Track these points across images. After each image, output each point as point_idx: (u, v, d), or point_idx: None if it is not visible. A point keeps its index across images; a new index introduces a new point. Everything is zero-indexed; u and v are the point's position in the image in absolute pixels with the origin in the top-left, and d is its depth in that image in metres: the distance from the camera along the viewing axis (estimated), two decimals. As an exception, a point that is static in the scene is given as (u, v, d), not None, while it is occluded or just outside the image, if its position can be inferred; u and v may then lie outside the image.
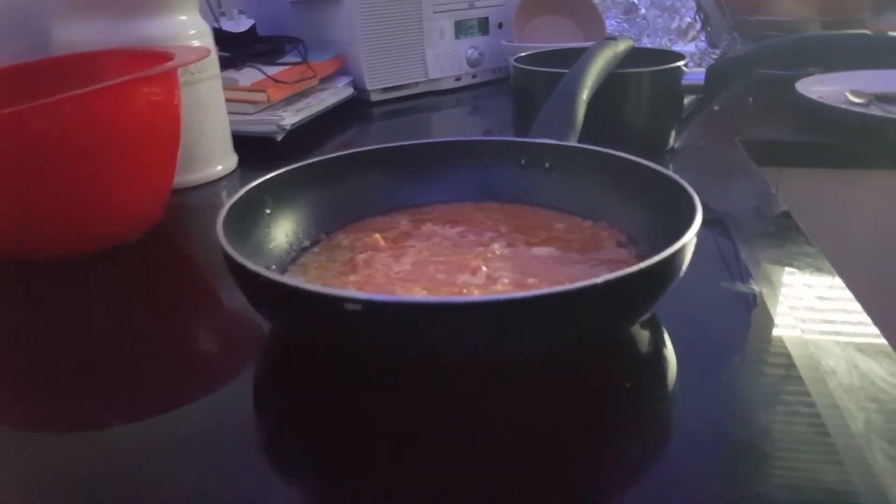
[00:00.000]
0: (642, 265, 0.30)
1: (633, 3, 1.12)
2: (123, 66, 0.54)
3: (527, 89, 0.72)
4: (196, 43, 0.66)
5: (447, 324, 0.29)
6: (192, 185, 0.68)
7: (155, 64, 0.51)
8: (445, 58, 1.03)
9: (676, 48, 1.10)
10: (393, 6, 0.95)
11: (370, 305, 0.29)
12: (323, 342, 0.34)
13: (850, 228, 0.73)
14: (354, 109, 0.97)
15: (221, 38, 0.92)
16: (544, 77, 0.67)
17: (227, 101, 0.77)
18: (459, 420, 0.32)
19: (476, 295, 0.35)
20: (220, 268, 0.35)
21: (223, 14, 0.95)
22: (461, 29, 1.04)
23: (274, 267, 0.43)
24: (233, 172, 0.72)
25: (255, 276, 0.31)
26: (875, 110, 0.75)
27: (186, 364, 0.41)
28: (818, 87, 0.81)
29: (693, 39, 1.08)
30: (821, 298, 0.42)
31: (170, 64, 0.49)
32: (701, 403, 0.33)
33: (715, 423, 0.31)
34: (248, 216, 0.43)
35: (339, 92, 0.91)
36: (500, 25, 1.09)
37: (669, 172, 0.42)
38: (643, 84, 0.65)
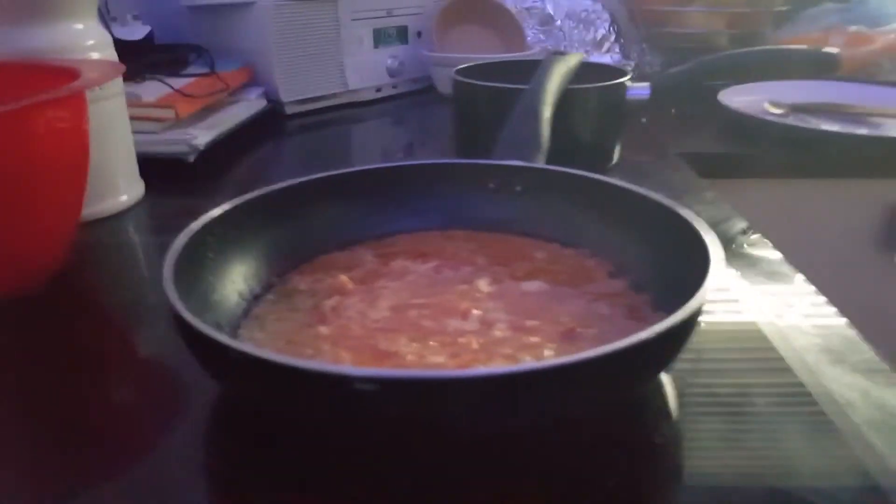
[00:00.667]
0: (687, 311, 0.26)
1: (549, 14, 1.12)
2: (14, 83, 0.45)
3: (471, 104, 0.68)
4: (96, 55, 0.57)
5: (483, 397, 0.25)
6: (94, 219, 0.59)
7: (55, 82, 0.43)
8: (365, 67, 0.98)
9: (592, 59, 1.11)
10: (308, 12, 0.89)
11: (389, 384, 0.24)
12: (310, 420, 0.29)
13: (784, 239, 0.75)
14: (268, 124, 0.89)
15: (115, 47, 0.82)
16: (491, 92, 0.64)
17: (131, 119, 0.68)
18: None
19: (497, 366, 0.31)
20: (135, 316, 0.29)
21: (114, 20, 0.84)
22: (380, 37, 0.99)
23: (224, 323, 0.36)
24: (140, 202, 0.63)
25: (239, 356, 0.25)
26: (794, 121, 0.78)
27: (105, 438, 0.33)
28: (739, 98, 0.83)
29: (608, 51, 1.09)
30: (806, 316, 0.41)
31: (78, 83, 0.41)
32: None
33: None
34: (187, 264, 0.36)
35: (251, 105, 0.84)
36: (419, 34, 1.05)
37: (659, 197, 0.40)
38: (590, 99, 0.63)
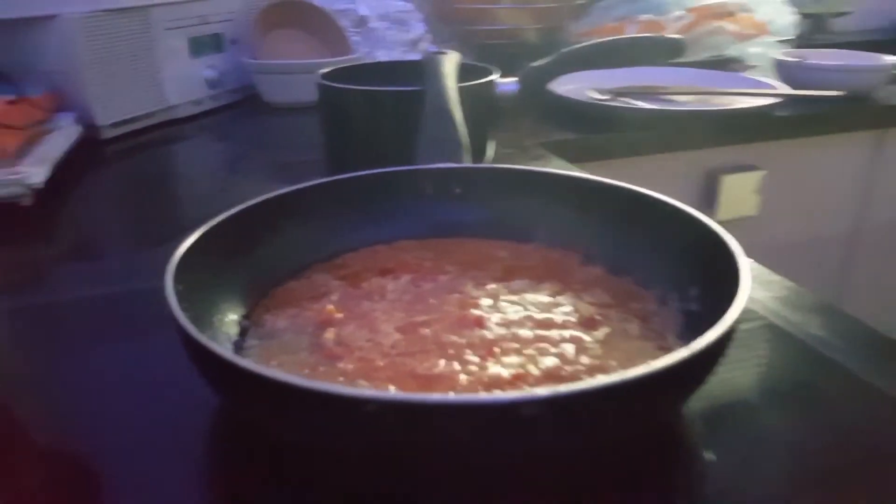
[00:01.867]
0: (729, 320, 0.28)
1: (363, 16, 1.11)
2: None
3: (340, 110, 0.65)
4: None
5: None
6: None
7: None
8: (183, 80, 0.88)
9: (411, 58, 1.13)
10: (118, 23, 0.78)
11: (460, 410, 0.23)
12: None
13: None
14: (84, 151, 0.76)
15: None
16: (363, 96, 0.62)
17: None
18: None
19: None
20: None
21: None
22: (196, 47, 0.90)
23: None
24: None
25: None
26: (621, 104, 0.88)
27: None
28: (565, 87, 0.91)
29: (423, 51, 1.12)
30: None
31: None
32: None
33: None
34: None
35: (69, 133, 0.71)
36: (234, 42, 0.97)
37: (585, 175, 0.42)
38: (465, 98, 0.64)
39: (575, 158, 0.78)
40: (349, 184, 0.45)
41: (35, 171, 0.57)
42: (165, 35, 0.84)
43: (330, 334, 0.35)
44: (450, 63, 0.58)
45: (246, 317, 0.37)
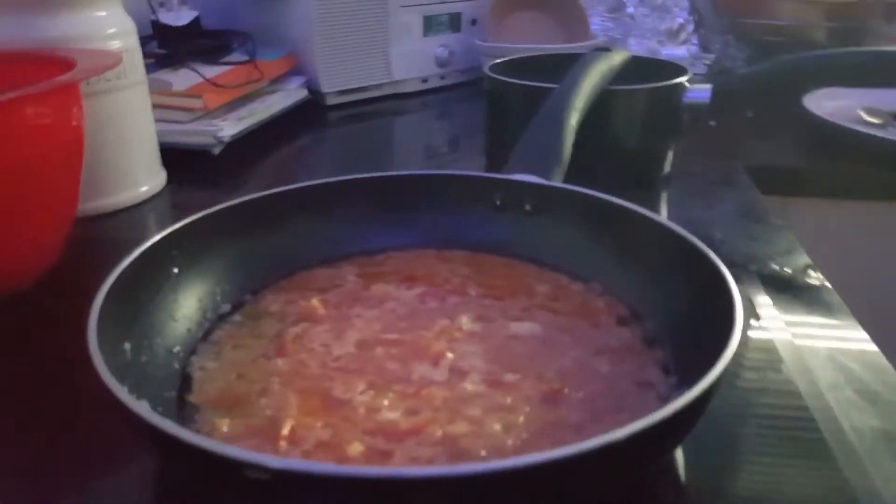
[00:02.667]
0: (675, 407, 0.21)
1: (621, 0, 1.03)
2: (21, 74, 0.43)
3: (503, 104, 0.62)
4: (116, 43, 0.55)
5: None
6: (111, 210, 0.58)
7: (48, 73, 0.41)
8: (412, 57, 0.93)
9: (666, 51, 1.02)
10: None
11: (281, 476, 0.19)
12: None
13: (867, 266, 0.65)
14: (307, 114, 0.86)
15: (160, 32, 0.81)
16: (524, 91, 0.58)
17: (159, 107, 0.66)
18: None
19: (436, 465, 0.25)
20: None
21: (162, 5, 0.84)
22: (430, 25, 0.94)
23: (178, 349, 0.33)
24: (161, 192, 0.62)
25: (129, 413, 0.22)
26: (893, 133, 0.67)
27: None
28: (829, 103, 0.73)
29: (684, 42, 1.00)
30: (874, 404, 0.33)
31: (62, 78, 0.39)
32: None
33: None
34: (147, 279, 0.33)
35: (290, 95, 0.81)
36: (474, 22, 0.99)
37: (684, 233, 0.33)
38: (637, 103, 0.56)
39: (791, 191, 0.63)
40: (413, 182, 0.43)
41: (228, 126, 0.66)
42: (400, 12, 0.89)
43: (298, 329, 0.35)
44: (601, 62, 0.51)
45: (254, 291, 0.38)
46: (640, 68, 0.61)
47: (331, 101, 0.88)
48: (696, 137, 0.71)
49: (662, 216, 0.35)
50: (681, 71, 0.58)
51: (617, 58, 0.53)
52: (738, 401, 0.32)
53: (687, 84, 0.56)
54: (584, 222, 0.39)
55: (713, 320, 0.27)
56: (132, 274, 0.32)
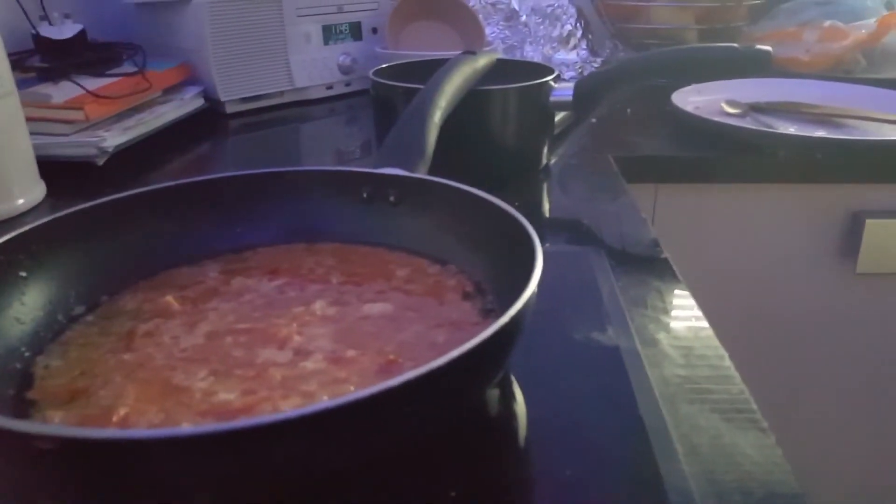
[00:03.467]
0: (450, 357, 0.22)
1: (515, 9, 1.07)
2: None
3: (386, 106, 0.64)
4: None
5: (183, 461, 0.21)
6: (-16, 223, 0.56)
7: None
8: (314, 65, 0.94)
9: (559, 56, 1.06)
10: (248, 9, 0.85)
11: (68, 443, 0.20)
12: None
13: (727, 245, 0.70)
14: (207, 123, 0.86)
15: (42, 45, 0.79)
16: (403, 92, 0.60)
17: (37, 120, 0.65)
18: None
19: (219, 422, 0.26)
20: None
21: (44, 18, 0.82)
22: (330, 34, 0.95)
23: (24, 349, 0.33)
24: (39, 204, 0.61)
25: None
26: (749, 122, 0.73)
27: None
28: (694, 98, 0.78)
29: (575, 47, 1.04)
30: (685, 357, 0.36)
31: None
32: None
33: None
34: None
35: (184, 105, 0.80)
36: (375, 31, 1.01)
37: (512, 211, 0.35)
38: (509, 101, 0.59)
39: (661, 178, 0.68)
40: (280, 178, 0.44)
41: (112, 137, 0.66)
42: (297, 21, 0.90)
43: (149, 325, 0.35)
44: (466, 64, 0.53)
45: (112, 293, 0.38)
46: (516, 71, 0.64)
47: (230, 108, 0.88)
48: (579, 133, 0.75)
49: (495, 198, 0.37)
50: (548, 72, 0.61)
51: (481, 60, 0.56)
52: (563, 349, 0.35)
53: (553, 84, 0.60)
54: (442, 210, 0.41)
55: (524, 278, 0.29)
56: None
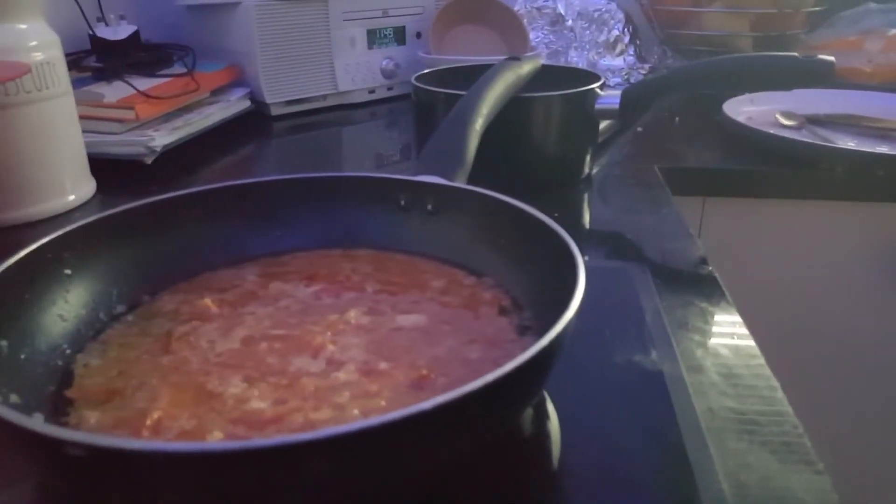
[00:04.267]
0: (485, 381, 0.22)
1: (560, 14, 1.06)
2: None
3: (428, 111, 0.64)
4: (38, 55, 0.56)
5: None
6: (37, 219, 0.58)
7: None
8: (357, 69, 0.95)
9: (604, 62, 1.04)
10: (295, 13, 0.86)
11: (97, 452, 0.20)
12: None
13: (776, 264, 0.68)
14: (253, 125, 0.87)
15: (98, 46, 0.82)
16: (445, 98, 0.60)
17: (90, 118, 0.67)
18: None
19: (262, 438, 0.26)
20: None
21: (101, 20, 0.84)
22: (375, 38, 0.95)
23: (66, 346, 0.33)
24: (90, 201, 0.62)
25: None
26: (806, 135, 0.70)
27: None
28: (747, 108, 0.75)
29: (622, 53, 1.02)
30: (734, 386, 0.34)
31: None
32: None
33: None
34: (33, 280, 0.34)
35: (230, 106, 0.82)
36: (419, 35, 1.01)
37: (554, 225, 0.34)
38: (553, 108, 0.58)
39: (709, 191, 0.65)
40: (320, 183, 0.44)
41: (160, 136, 0.67)
42: (342, 25, 0.91)
43: (187, 328, 0.35)
44: (509, 71, 0.53)
45: (153, 293, 0.39)
46: (561, 77, 0.63)
47: (276, 111, 0.89)
48: (620, 144, 0.74)
49: (535, 210, 0.36)
50: (594, 78, 0.60)
51: (525, 66, 0.55)
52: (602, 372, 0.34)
53: (599, 91, 0.58)
54: (480, 220, 0.40)
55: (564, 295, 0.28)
56: (15, 274, 0.32)
